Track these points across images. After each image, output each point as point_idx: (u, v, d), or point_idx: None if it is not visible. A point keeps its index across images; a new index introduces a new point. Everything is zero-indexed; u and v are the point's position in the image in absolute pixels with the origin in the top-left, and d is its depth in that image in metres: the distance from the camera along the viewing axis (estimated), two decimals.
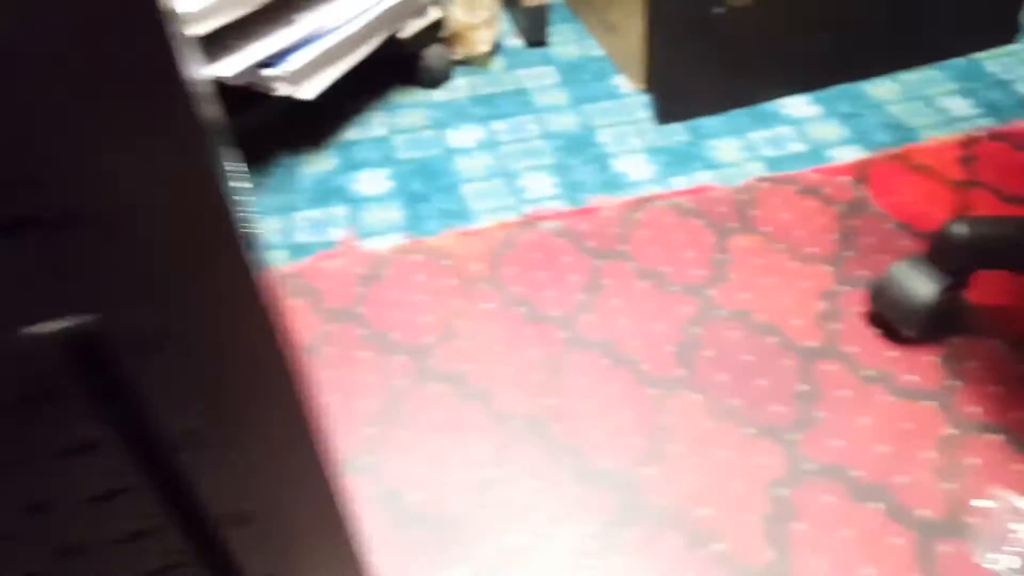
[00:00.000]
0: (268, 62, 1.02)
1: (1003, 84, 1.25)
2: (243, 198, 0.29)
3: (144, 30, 0.23)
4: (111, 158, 0.24)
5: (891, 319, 0.86)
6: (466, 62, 1.36)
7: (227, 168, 0.28)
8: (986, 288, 0.89)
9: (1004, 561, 0.68)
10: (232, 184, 0.29)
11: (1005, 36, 1.31)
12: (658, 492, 0.74)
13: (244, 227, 0.29)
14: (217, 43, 1.00)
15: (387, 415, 0.81)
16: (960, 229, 0.81)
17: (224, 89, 1.01)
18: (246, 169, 1.17)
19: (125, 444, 0.36)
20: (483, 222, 1.06)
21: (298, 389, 0.38)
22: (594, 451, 0.77)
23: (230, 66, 0.99)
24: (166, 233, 0.27)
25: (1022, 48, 1.32)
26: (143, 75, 0.24)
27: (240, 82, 1.01)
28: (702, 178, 1.11)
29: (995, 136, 1.13)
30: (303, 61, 1.03)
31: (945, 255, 0.82)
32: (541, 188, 1.12)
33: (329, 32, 1.08)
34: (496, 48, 1.39)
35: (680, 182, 1.11)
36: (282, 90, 1.04)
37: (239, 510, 0.40)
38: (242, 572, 0.42)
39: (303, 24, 1.08)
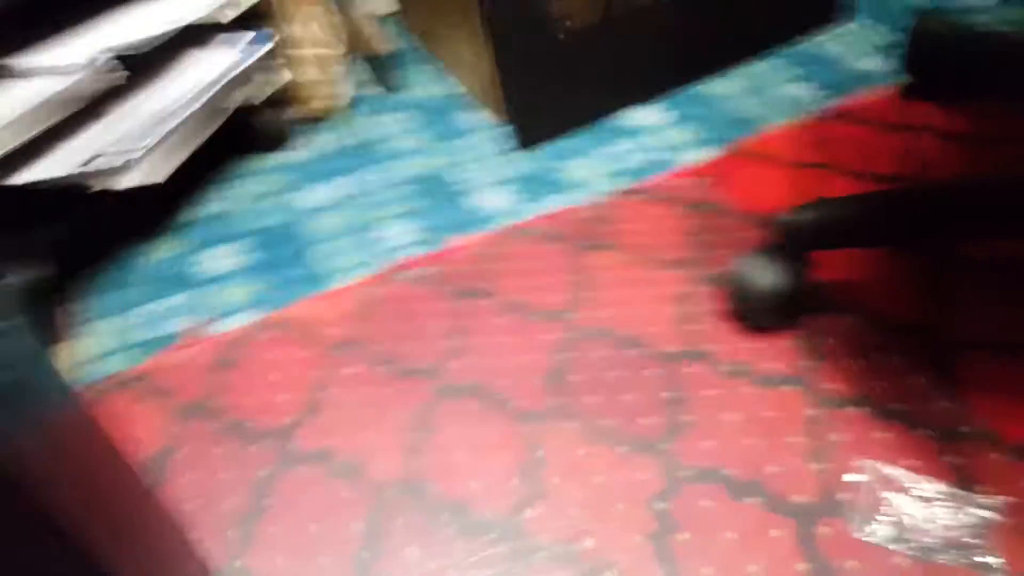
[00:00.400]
0: (97, 156, 0.97)
1: (838, 62, 1.29)
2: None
3: None
4: None
5: (744, 312, 0.87)
6: (316, 119, 1.33)
7: None
8: (836, 265, 0.92)
9: (880, 531, 0.69)
10: None
11: (829, 16, 1.38)
12: (543, 532, 0.72)
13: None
14: (42, 145, 0.95)
15: (253, 511, 0.76)
16: (798, 216, 0.83)
17: (43, 194, 0.95)
18: (70, 276, 1.10)
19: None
20: (339, 283, 1.03)
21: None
22: (475, 503, 0.75)
23: (50, 169, 0.93)
24: None
25: (856, 27, 1.38)
26: None
27: (63, 184, 0.95)
28: (557, 201, 1.12)
29: (837, 115, 1.17)
30: (141, 150, 0.98)
31: (787, 242, 0.84)
32: (399, 237, 1.10)
33: (165, 118, 1.03)
34: (352, 101, 1.37)
35: (536, 208, 1.11)
36: (124, 181, 0.97)
37: None
38: None
39: (133, 114, 1.03)
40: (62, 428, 0.47)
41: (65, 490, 0.40)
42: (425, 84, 1.41)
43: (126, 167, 0.96)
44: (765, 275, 0.84)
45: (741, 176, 1.09)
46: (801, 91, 1.25)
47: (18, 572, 0.32)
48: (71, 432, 0.50)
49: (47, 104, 0.93)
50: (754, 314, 0.86)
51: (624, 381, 0.84)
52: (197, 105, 1.06)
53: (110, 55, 0.98)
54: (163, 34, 1.02)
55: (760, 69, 1.31)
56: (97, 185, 0.96)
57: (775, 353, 0.84)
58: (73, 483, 0.42)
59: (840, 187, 1.05)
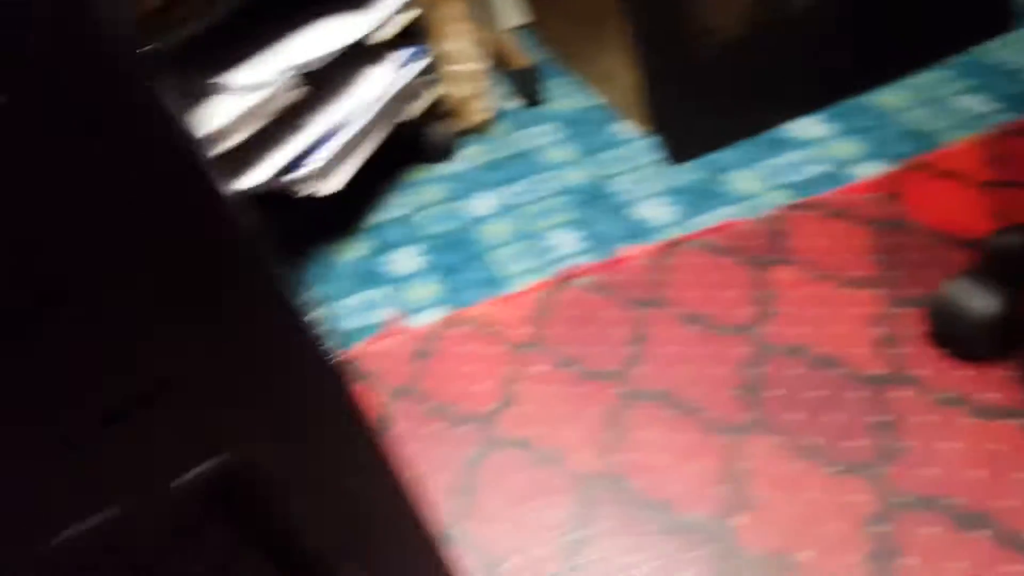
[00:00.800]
0: (288, 167, 1.03)
1: (1013, 74, 1.22)
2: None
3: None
4: (202, 328, 0.26)
5: (955, 339, 0.84)
6: (470, 132, 1.37)
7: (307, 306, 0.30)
8: None
9: None
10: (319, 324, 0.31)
11: (1003, 23, 1.31)
12: (753, 540, 0.71)
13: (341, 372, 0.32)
14: (237, 158, 1.01)
15: (466, 486, 0.79)
16: (1010, 239, 0.80)
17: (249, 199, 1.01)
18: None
19: (267, 565, 0.35)
20: (518, 286, 1.05)
21: (413, 501, 0.38)
22: (679, 503, 0.75)
23: (254, 177, 1.00)
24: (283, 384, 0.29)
25: None
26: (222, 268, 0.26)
27: (264, 190, 1.01)
28: (725, 214, 1.11)
29: (1019, 131, 1.12)
30: (324, 159, 1.04)
31: (999, 266, 0.81)
32: (567, 244, 1.11)
33: (342, 129, 1.09)
34: (497, 114, 1.40)
35: (704, 221, 1.11)
36: (309, 188, 1.04)
37: None
38: None
39: (316, 125, 1.09)
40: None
41: None
42: (566, 96, 1.43)
43: (313, 175, 1.02)
44: (977, 300, 0.81)
45: (923, 192, 1.06)
46: (977, 103, 1.18)
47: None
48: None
49: (246, 116, 0.99)
50: (966, 341, 0.83)
51: (826, 401, 0.82)
52: (370, 116, 1.11)
53: (293, 72, 1.04)
54: (335, 51, 1.08)
55: (930, 79, 1.24)
56: (293, 191, 1.02)
57: (991, 383, 0.81)
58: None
59: None
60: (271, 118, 1.01)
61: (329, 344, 0.31)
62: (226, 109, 0.98)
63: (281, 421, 0.30)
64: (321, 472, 0.32)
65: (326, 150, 1.04)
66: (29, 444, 0.24)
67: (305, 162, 1.02)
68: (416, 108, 1.24)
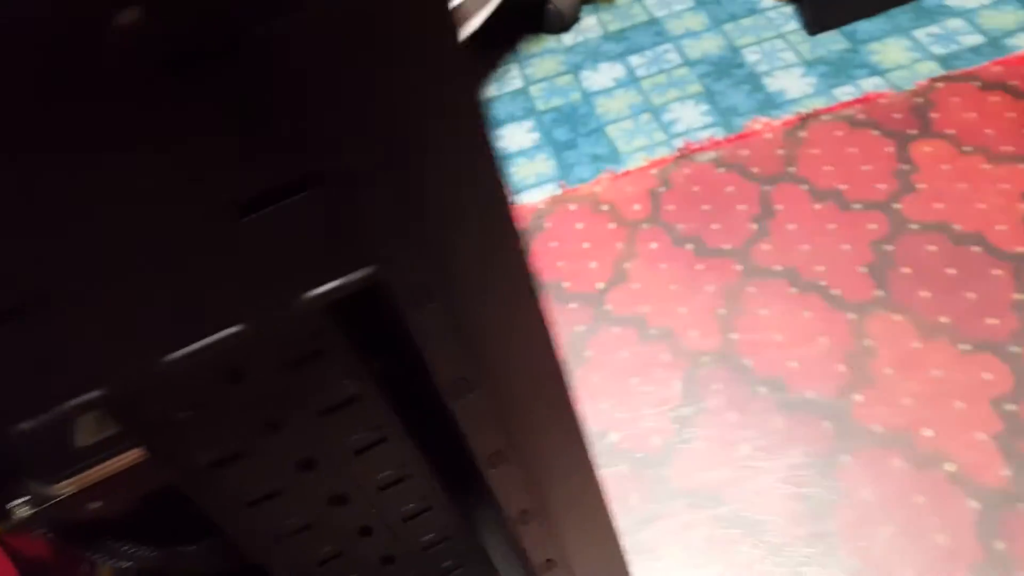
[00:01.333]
0: None
1: None
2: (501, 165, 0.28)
3: None
4: (390, 119, 0.23)
5: None
6: (593, 0, 1.32)
7: (489, 133, 0.27)
8: None
9: None
10: (494, 151, 0.28)
11: None
12: (872, 417, 0.70)
13: (504, 192, 0.28)
14: None
15: (573, 361, 0.82)
16: None
17: None
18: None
19: (390, 395, 0.37)
20: (635, 162, 1.03)
21: (548, 333, 0.38)
22: (794, 381, 0.74)
23: None
24: (438, 193, 0.26)
25: None
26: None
27: None
28: (869, 85, 1.03)
29: None
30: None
31: None
32: (691, 119, 1.07)
33: None
34: None
35: (845, 93, 1.03)
36: None
37: (499, 449, 0.41)
38: (501, 508, 0.43)
39: None
40: None
41: None
42: None
43: None
44: None
45: None
46: None
47: None
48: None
49: None
50: None
51: (963, 279, 0.78)
52: None
53: None
54: None
55: None
56: None
57: None
58: None
59: None
60: None
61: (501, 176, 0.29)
62: None
63: (435, 246, 0.28)
64: (464, 303, 0.31)
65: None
66: (159, 239, 0.22)
67: None
68: None
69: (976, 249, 0.80)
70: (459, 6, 0.96)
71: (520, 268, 0.35)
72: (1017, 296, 0.75)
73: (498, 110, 1.19)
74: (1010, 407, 0.68)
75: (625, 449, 0.73)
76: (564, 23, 1.28)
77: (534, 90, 1.20)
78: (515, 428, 0.41)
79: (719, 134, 1.03)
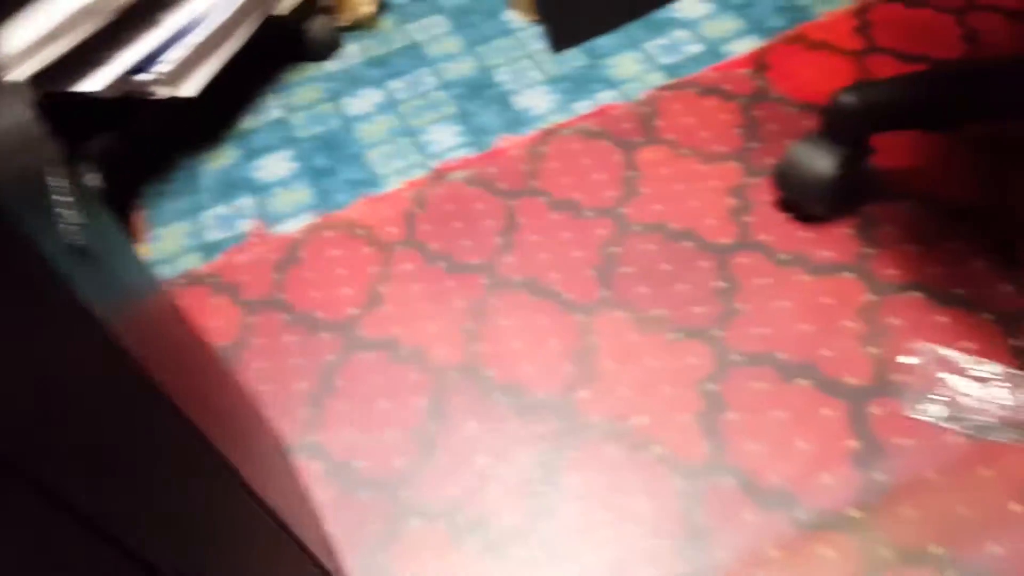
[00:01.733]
0: (140, 67, 0.99)
1: None
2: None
3: None
4: None
5: (798, 200, 0.86)
6: (354, 27, 1.33)
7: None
8: (892, 151, 0.90)
9: (933, 409, 0.70)
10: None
11: None
12: (594, 411, 0.75)
13: None
14: (81, 59, 0.97)
15: (323, 392, 0.81)
16: (848, 98, 0.81)
17: (106, 103, 0.98)
18: (143, 180, 1.14)
19: None
20: (393, 185, 1.05)
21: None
22: (528, 385, 0.78)
23: (100, 79, 0.96)
24: None
25: None
26: None
27: (116, 92, 0.98)
28: (605, 98, 1.10)
29: None
30: (177, 59, 1.00)
31: (838, 127, 0.82)
32: (446, 139, 1.10)
33: (199, 25, 1.04)
34: (382, 6, 1.36)
35: (583, 107, 1.10)
36: (161, 92, 1.00)
37: None
38: None
39: (170, 22, 1.04)
40: (148, 307, 0.51)
41: (158, 356, 0.43)
42: None
43: (163, 78, 0.98)
44: (818, 162, 0.83)
45: (792, 65, 1.06)
46: None
47: (120, 431, 0.35)
48: (156, 311, 0.53)
49: (80, 14, 0.93)
50: (807, 202, 0.85)
51: (676, 273, 0.84)
52: (229, 12, 1.06)
53: None
54: None
55: None
56: (148, 94, 0.98)
57: (831, 241, 0.84)
58: (162, 354, 0.45)
59: (894, 71, 1.01)
60: (112, 17, 0.96)
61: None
62: (62, 6, 0.93)
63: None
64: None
65: (177, 50, 1.00)
66: None
67: (155, 63, 0.98)
68: (287, 2, 1.19)
69: (688, 244, 0.87)
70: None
71: None
72: (719, 283, 0.82)
73: (255, 141, 1.16)
74: (710, 387, 0.74)
75: (368, 476, 0.74)
76: (322, 51, 1.27)
77: (295, 119, 1.19)
78: None
79: (472, 153, 1.07)
